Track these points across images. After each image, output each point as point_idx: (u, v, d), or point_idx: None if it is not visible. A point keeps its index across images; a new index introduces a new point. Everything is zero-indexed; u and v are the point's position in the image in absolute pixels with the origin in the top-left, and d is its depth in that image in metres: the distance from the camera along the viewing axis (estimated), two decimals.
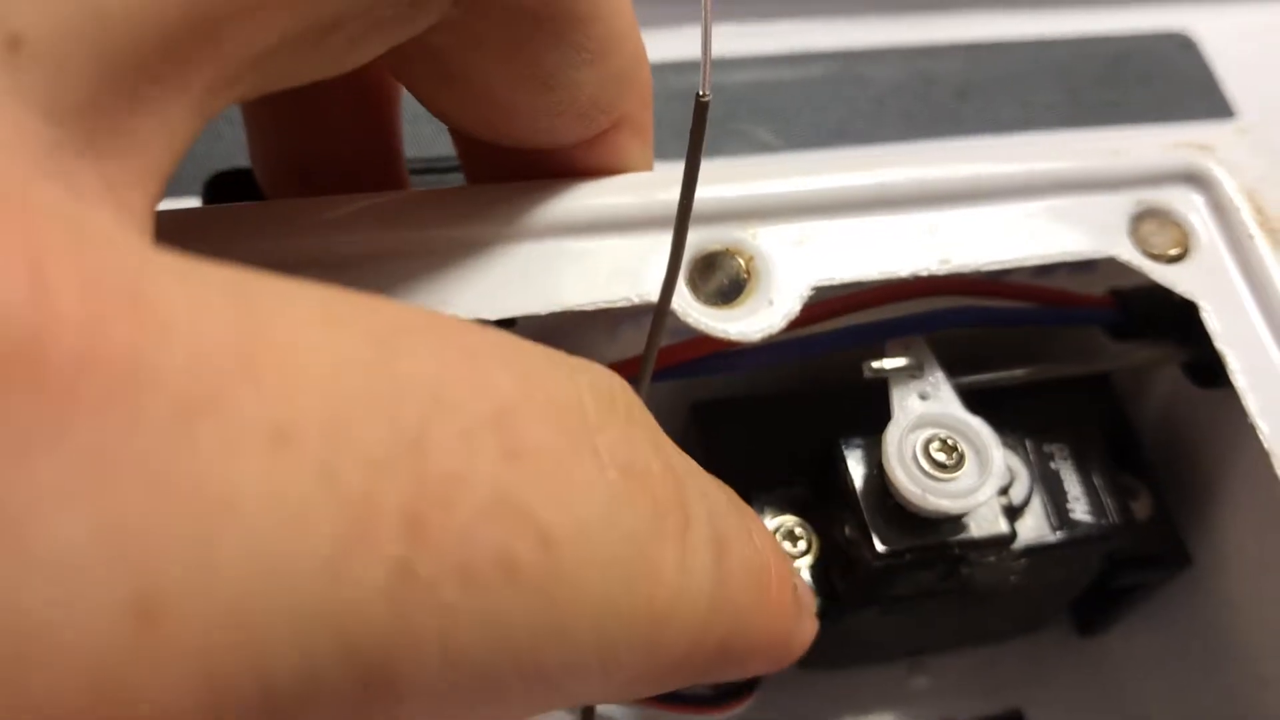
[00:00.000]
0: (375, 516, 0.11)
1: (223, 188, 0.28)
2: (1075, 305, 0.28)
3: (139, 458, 0.10)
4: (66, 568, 0.09)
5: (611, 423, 0.15)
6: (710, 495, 0.17)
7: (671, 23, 0.35)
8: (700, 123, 0.20)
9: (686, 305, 0.23)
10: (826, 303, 0.26)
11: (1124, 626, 0.31)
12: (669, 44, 0.35)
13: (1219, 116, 0.37)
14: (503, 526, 0.13)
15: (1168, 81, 0.37)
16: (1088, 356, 0.29)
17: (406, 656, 0.12)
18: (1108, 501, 0.27)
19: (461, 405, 0.13)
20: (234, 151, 0.32)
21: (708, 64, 0.19)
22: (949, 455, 0.24)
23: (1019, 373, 0.28)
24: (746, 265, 0.24)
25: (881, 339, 0.26)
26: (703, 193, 0.24)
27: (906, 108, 0.35)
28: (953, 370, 0.27)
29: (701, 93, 0.20)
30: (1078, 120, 0.36)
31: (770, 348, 0.25)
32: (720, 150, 0.33)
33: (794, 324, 0.25)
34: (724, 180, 0.24)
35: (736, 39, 0.36)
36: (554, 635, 0.13)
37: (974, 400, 0.26)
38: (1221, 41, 0.38)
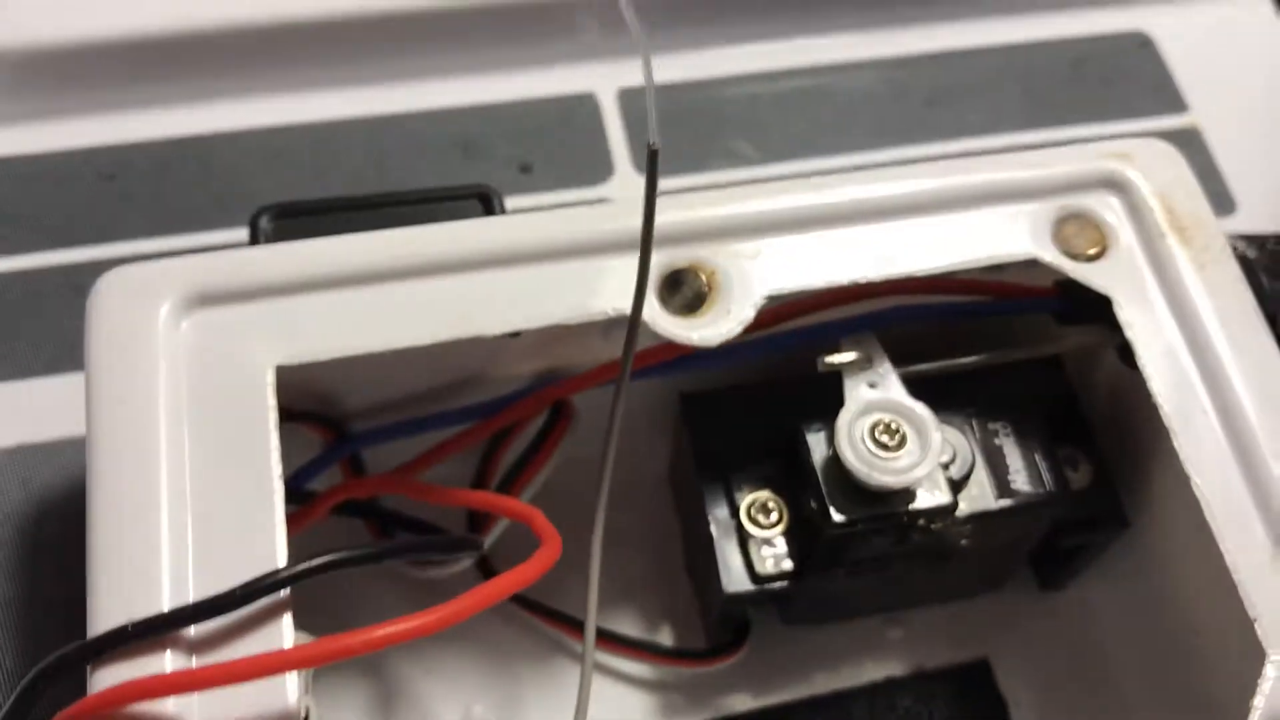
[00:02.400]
0: None
1: None
2: (1021, 297, 0.32)
3: None
4: None
5: None
6: None
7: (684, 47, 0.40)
8: (653, 166, 0.24)
9: (655, 315, 0.27)
10: (799, 302, 0.30)
11: (1080, 582, 0.34)
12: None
13: (1172, 112, 0.40)
14: None
15: (1125, 80, 0.40)
16: (1041, 341, 0.33)
17: None
18: (1045, 472, 0.30)
19: None
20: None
21: (654, 120, 0.23)
22: (892, 437, 0.28)
23: (976, 358, 0.32)
24: (708, 279, 0.27)
25: (839, 336, 0.30)
26: (671, 217, 0.28)
27: (878, 117, 0.38)
28: (919, 357, 0.31)
29: (651, 142, 0.23)
30: (1039, 121, 0.39)
31: (737, 349, 0.29)
32: (704, 164, 0.37)
33: (759, 324, 0.29)
34: (688, 207, 0.28)
35: (723, 61, 0.39)
36: None
37: (935, 385, 0.30)
38: (1177, 40, 0.41)
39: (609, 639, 0.33)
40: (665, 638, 0.33)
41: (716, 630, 0.33)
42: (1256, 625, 0.25)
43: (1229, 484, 0.27)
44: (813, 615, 0.33)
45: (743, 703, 0.33)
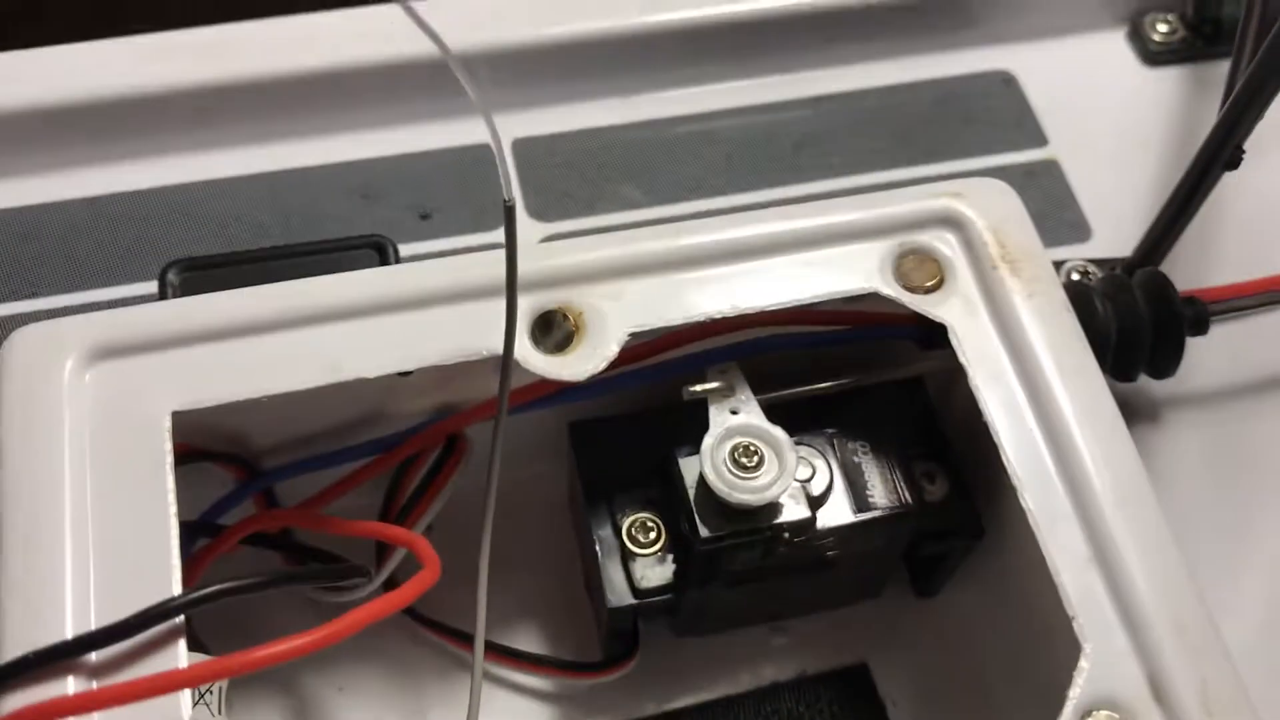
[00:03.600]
0: None
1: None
2: (881, 324, 0.34)
3: None
4: None
5: None
6: None
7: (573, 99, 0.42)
8: (511, 221, 0.26)
9: (528, 354, 0.30)
10: (671, 336, 0.32)
11: (952, 588, 0.37)
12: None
13: (1033, 146, 0.43)
14: None
15: (988, 118, 0.43)
16: (900, 365, 0.35)
17: None
18: (902, 487, 0.33)
19: None
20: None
21: (507, 177, 0.25)
22: (750, 459, 0.30)
23: (834, 383, 0.34)
24: (575, 320, 0.30)
25: (705, 366, 0.32)
26: (540, 264, 0.30)
27: (752, 160, 0.41)
28: (794, 384, 0.33)
29: (506, 199, 0.26)
30: (903, 160, 0.42)
31: (616, 380, 0.32)
32: (594, 208, 0.40)
33: (637, 357, 0.32)
34: (555, 255, 0.30)
35: (607, 111, 0.42)
36: None
37: (802, 409, 0.33)
38: (1038, 77, 0.44)
39: (508, 655, 0.35)
40: (567, 652, 0.36)
41: (609, 643, 0.35)
42: (1074, 622, 0.28)
43: (1052, 494, 0.29)
44: (700, 626, 0.36)
45: (637, 710, 0.35)
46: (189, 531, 0.31)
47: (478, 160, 0.41)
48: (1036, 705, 0.34)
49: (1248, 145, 0.35)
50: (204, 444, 0.32)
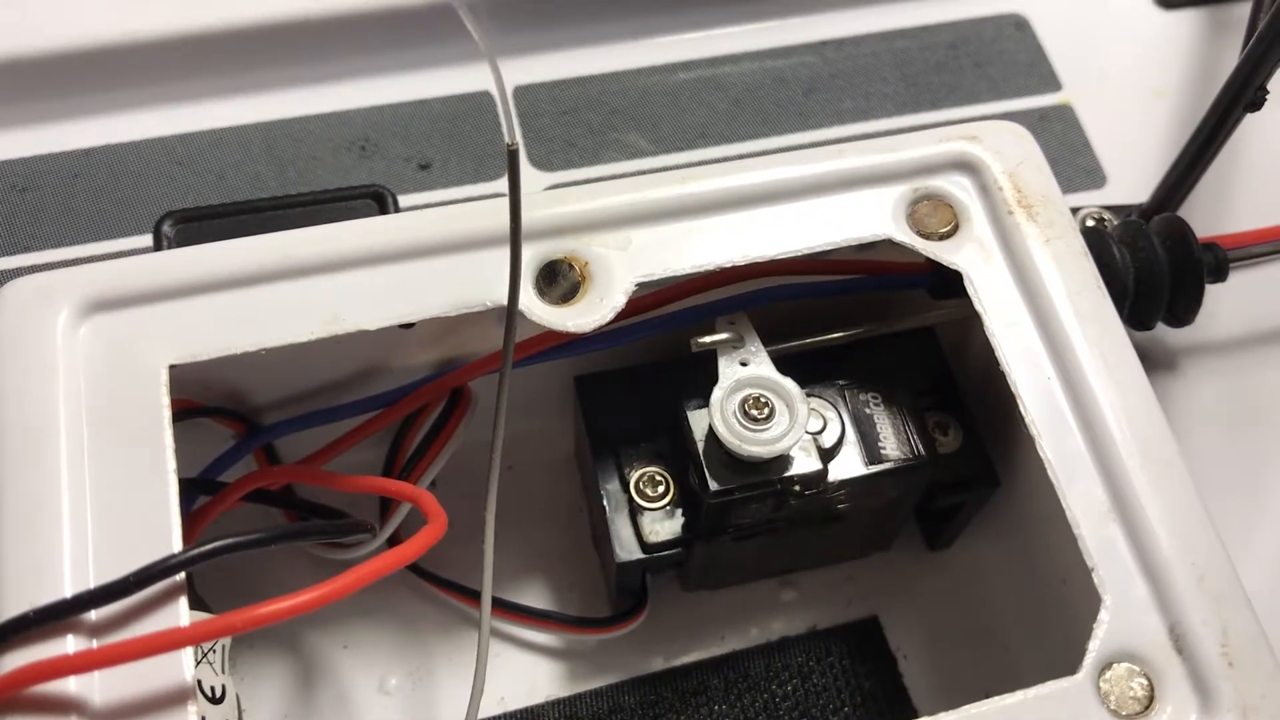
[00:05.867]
0: None
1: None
2: (893, 273, 0.33)
3: None
4: None
5: None
6: None
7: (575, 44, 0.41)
8: (514, 165, 0.25)
9: (532, 305, 0.29)
10: (681, 286, 0.31)
11: (965, 540, 0.36)
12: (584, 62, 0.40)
13: (1046, 91, 0.42)
14: None
15: (1001, 62, 0.42)
16: (912, 315, 0.35)
17: None
18: (914, 438, 0.32)
19: None
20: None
21: (510, 118, 0.25)
22: (761, 410, 0.30)
23: (846, 333, 0.34)
24: (581, 270, 0.29)
25: (717, 316, 0.32)
26: (545, 213, 0.29)
27: (760, 106, 0.40)
28: (805, 335, 0.33)
29: (510, 143, 0.25)
30: (914, 105, 0.41)
31: (623, 331, 0.31)
32: (598, 157, 0.39)
33: (645, 308, 0.31)
34: (561, 202, 0.29)
35: (611, 57, 0.41)
36: None
37: (813, 360, 0.32)
38: (1051, 20, 0.43)
39: (516, 611, 0.35)
40: (574, 608, 0.35)
41: (618, 598, 0.35)
42: (1094, 574, 0.27)
43: (1071, 444, 0.28)
44: (709, 581, 0.35)
45: (645, 665, 0.35)
46: (189, 489, 0.30)
47: (478, 108, 0.41)
48: (1052, 658, 0.34)
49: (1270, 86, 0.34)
50: (203, 399, 0.31)
